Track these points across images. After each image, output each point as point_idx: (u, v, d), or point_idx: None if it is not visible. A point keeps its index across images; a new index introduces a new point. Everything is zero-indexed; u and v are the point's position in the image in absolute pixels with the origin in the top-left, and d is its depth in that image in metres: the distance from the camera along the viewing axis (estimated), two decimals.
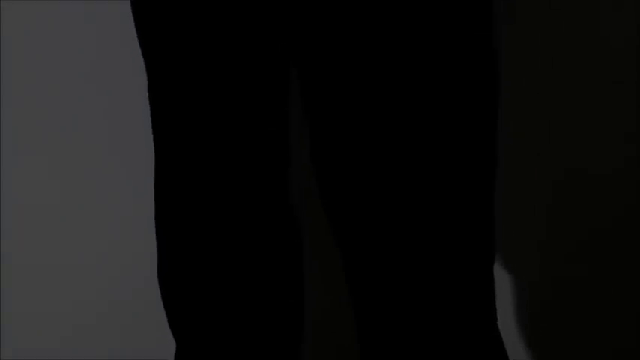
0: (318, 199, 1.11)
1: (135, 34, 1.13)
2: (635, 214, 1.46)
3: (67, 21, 1.42)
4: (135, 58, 1.18)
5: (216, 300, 1.12)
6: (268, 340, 1.12)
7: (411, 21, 1.00)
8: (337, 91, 1.03)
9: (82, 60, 1.42)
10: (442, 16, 1.00)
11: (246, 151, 1.09)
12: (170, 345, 1.18)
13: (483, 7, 1.03)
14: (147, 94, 1.14)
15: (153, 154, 1.16)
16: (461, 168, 1.04)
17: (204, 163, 1.10)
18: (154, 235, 1.16)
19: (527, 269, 1.48)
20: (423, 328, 1.05)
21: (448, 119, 1.02)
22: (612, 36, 1.42)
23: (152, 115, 1.13)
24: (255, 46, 1.05)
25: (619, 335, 1.48)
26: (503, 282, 1.43)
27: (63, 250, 1.49)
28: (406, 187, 1.03)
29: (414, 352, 1.05)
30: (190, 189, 1.11)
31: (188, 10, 1.04)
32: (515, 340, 1.47)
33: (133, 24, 1.13)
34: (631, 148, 1.45)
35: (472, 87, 1.03)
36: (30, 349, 1.51)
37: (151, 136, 1.15)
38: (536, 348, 1.48)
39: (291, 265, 1.14)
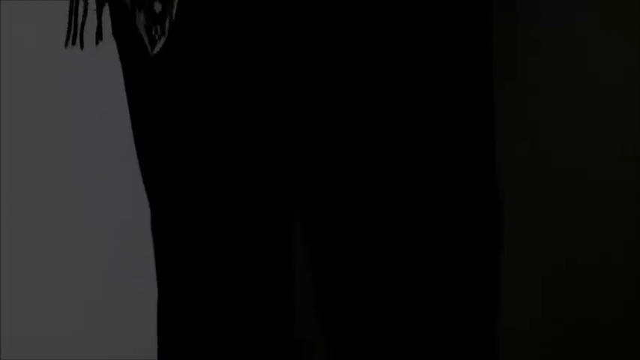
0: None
1: None
2: None
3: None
4: None
5: None
6: None
7: (415, 168, 1.00)
8: (340, 230, 1.03)
9: (84, 60, 1.42)
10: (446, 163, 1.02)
11: (248, 290, 1.09)
12: None
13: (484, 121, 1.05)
14: None
15: None
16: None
17: (206, 297, 1.09)
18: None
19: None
20: None
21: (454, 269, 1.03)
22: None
23: (155, 249, 1.13)
24: (258, 181, 1.05)
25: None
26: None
27: (63, 250, 1.50)
28: (410, 326, 1.03)
29: None
30: (191, 325, 1.10)
31: (193, 143, 1.04)
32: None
33: None
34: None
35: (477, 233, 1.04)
36: (30, 349, 1.51)
37: None
38: None
39: None
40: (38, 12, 1.44)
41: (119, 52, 1.07)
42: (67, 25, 1.08)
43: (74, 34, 1.07)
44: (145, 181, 1.11)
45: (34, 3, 1.43)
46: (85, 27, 1.08)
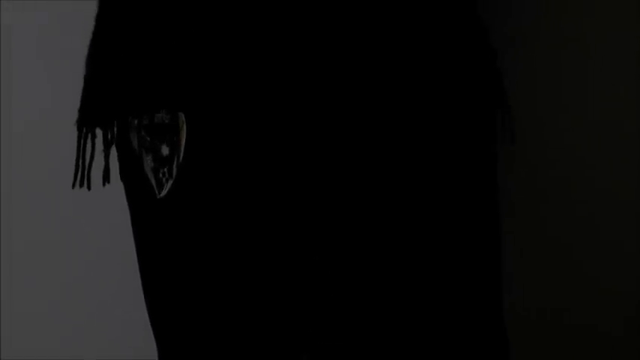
0: None
1: None
2: None
3: (68, 21, 1.40)
4: None
5: None
6: None
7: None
8: None
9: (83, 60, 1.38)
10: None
11: None
12: None
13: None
14: None
15: None
16: None
17: None
18: None
19: None
20: None
21: None
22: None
23: None
24: (266, 325, 1.04)
25: None
26: None
27: (64, 249, 1.47)
28: None
29: None
30: None
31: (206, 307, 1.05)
32: None
33: None
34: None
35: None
36: (30, 349, 1.49)
37: None
38: None
39: None
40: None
41: (126, 193, 1.07)
42: (74, 167, 1.08)
43: (82, 175, 1.07)
44: (152, 320, 1.10)
45: (35, 3, 1.42)
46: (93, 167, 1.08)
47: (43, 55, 1.44)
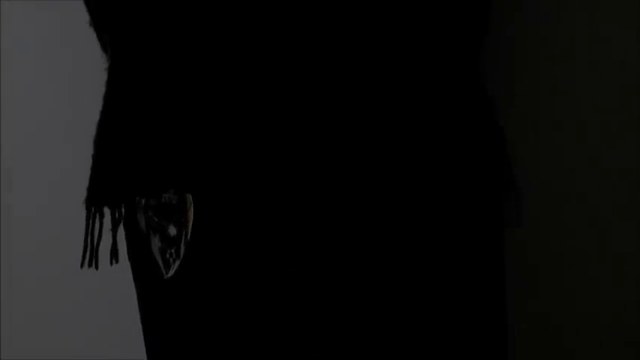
0: None
1: None
2: None
3: (68, 21, 1.38)
4: None
5: None
6: None
7: None
8: None
9: (83, 60, 1.37)
10: None
11: None
12: None
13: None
14: None
15: None
16: None
17: None
18: None
19: None
20: None
21: None
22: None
23: None
24: None
25: None
26: None
27: (64, 249, 1.46)
28: None
29: None
30: None
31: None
32: None
33: None
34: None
35: None
36: (30, 349, 1.49)
37: None
38: None
39: None
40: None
41: (133, 273, 1.08)
42: (82, 246, 1.08)
43: (90, 254, 1.08)
44: None
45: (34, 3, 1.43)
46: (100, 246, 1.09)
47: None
